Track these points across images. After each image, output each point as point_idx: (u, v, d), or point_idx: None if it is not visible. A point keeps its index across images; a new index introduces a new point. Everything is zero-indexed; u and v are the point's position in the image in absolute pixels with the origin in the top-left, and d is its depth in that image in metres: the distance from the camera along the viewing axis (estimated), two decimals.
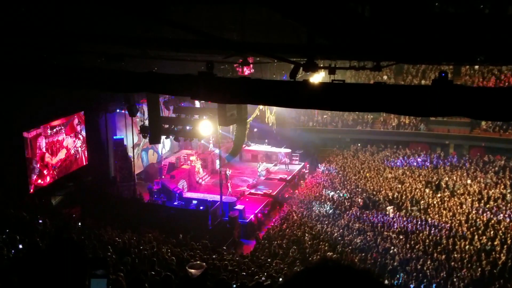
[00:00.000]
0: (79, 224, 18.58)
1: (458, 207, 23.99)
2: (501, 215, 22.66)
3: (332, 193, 27.31)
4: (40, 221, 16.02)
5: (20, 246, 11.28)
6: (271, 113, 31.39)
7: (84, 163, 24.45)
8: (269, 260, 18.25)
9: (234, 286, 9.91)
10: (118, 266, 10.69)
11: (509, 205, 23.88)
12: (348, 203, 25.63)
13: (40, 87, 16.06)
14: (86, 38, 10.92)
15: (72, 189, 23.27)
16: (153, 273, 10.04)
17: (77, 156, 23.95)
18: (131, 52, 11.71)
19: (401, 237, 21.05)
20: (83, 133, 24.28)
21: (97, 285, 2.51)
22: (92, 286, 2.45)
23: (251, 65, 18.93)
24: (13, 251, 10.44)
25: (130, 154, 25.86)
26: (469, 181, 27.61)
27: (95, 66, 12.76)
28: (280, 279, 13.48)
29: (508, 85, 30.48)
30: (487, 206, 23.88)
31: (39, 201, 20.38)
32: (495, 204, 24.04)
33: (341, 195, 26.92)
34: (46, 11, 10.61)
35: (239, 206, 24.84)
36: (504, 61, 15.69)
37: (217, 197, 24.98)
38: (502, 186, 26.29)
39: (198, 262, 7.52)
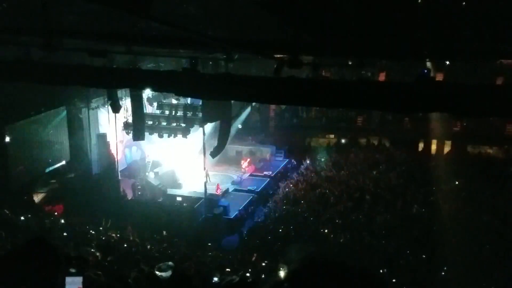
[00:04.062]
0: (62, 221, 18.40)
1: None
2: None
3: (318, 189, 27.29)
4: (22, 218, 15.85)
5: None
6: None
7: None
8: (253, 256, 18.25)
9: (217, 282, 9.89)
10: (101, 264, 10.62)
11: None
12: (334, 200, 25.64)
13: (23, 84, 15.83)
14: (70, 34, 10.82)
15: (55, 186, 23.01)
16: (137, 270, 9.97)
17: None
18: (115, 49, 11.63)
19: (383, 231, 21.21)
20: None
21: (71, 283, 2.49)
22: (66, 284, 2.42)
23: None
24: None
25: (113, 150, 25.60)
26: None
27: (79, 62, 12.63)
28: (263, 276, 13.53)
29: (490, 82, 30.75)
30: None
31: (21, 198, 20.12)
32: None
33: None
34: (28, 7, 10.48)
35: (223, 203, 24.78)
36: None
37: (201, 194, 24.85)
38: None
39: (167, 263, 7.46)
